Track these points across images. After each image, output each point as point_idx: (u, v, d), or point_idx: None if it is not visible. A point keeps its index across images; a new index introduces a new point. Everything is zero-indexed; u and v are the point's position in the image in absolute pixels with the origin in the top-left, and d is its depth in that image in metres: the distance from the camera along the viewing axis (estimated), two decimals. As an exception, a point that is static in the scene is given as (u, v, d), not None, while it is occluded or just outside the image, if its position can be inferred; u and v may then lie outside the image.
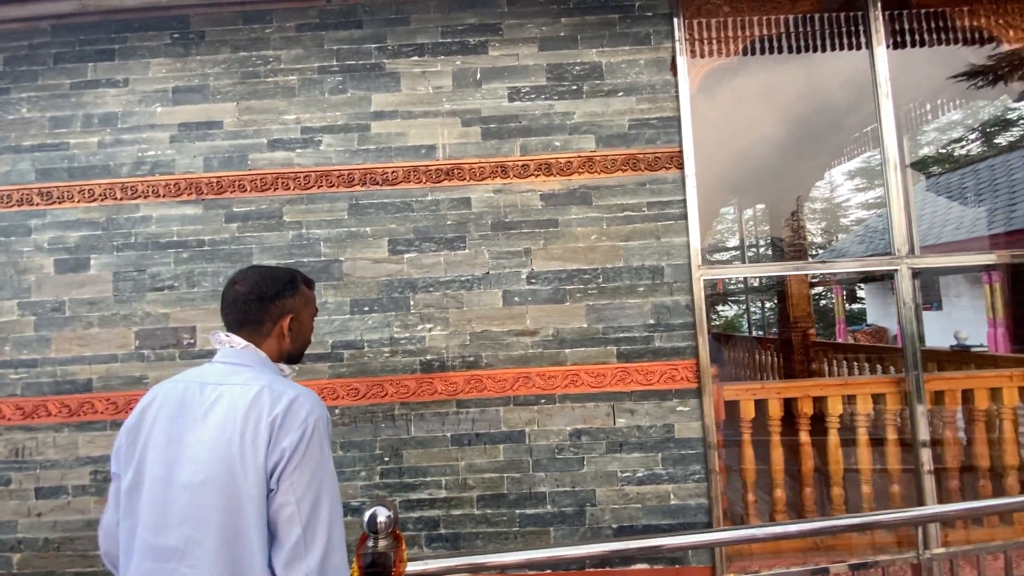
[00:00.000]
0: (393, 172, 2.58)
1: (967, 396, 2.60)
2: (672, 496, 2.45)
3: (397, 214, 2.57)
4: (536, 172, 2.57)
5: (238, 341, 1.12)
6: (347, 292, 2.54)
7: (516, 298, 2.54)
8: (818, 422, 2.61)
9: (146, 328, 2.57)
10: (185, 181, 2.62)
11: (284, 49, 2.67)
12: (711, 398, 2.45)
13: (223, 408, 1.01)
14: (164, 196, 2.62)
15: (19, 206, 2.62)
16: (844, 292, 16.24)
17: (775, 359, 5.71)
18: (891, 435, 2.57)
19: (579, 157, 2.57)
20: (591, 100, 2.61)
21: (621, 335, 2.51)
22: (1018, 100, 3.09)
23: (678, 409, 2.48)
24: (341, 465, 2.45)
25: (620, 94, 2.61)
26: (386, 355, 2.50)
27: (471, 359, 2.51)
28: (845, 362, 4.90)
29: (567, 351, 2.51)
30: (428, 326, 2.53)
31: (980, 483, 2.56)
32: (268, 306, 1.14)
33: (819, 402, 2.60)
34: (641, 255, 2.55)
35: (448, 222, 2.57)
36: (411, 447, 2.46)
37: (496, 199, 2.58)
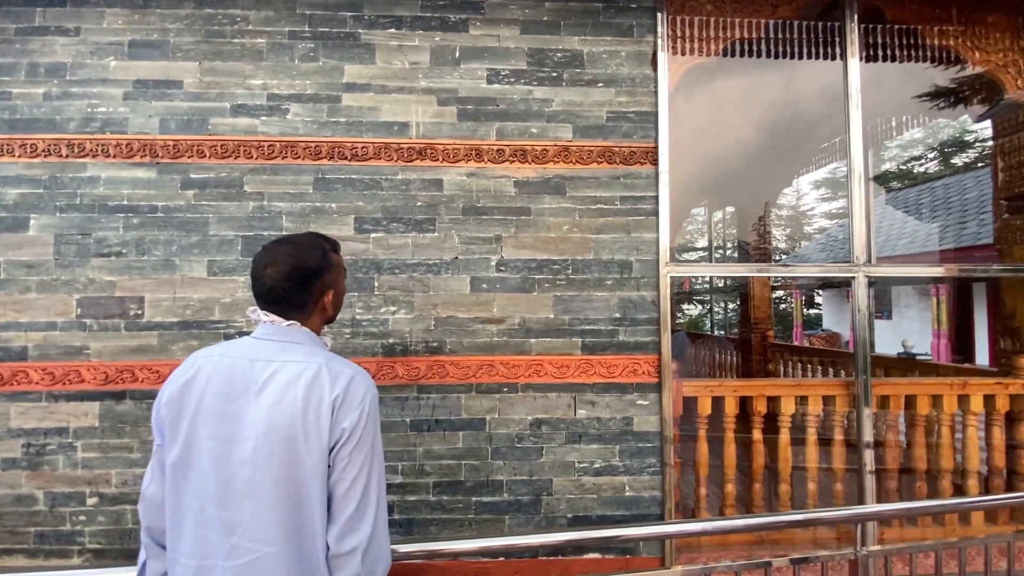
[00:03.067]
0: (363, 147, 2.49)
1: (910, 401, 2.72)
2: (627, 488, 2.48)
3: (365, 191, 2.49)
4: (511, 158, 2.53)
5: (281, 320, 1.11)
6: (309, 269, 2.44)
7: (484, 285, 2.50)
8: (770, 421, 2.69)
9: (89, 296, 2.42)
10: (138, 142, 2.46)
11: (253, 9, 2.53)
12: (670, 393, 2.48)
13: (279, 386, 1.01)
14: (115, 156, 2.46)
15: (-50, 156, 2.42)
16: (803, 297, 16.85)
17: (734, 358, 5.87)
18: (838, 436, 2.67)
19: (555, 146, 2.54)
20: (570, 88, 2.57)
21: (587, 327, 2.52)
22: (978, 121, 3.21)
23: (638, 403, 2.51)
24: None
25: (600, 85, 2.58)
26: (347, 336, 2.43)
27: (435, 344, 2.47)
28: (800, 364, 5.08)
29: (532, 341, 2.50)
30: (392, 309, 2.47)
31: (917, 484, 2.69)
32: (310, 288, 1.12)
33: (772, 401, 2.67)
34: (611, 249, 2.54)
35: (418, 203, 2.50)
36: (368, 431, 2.41)
37: (469, 183, 2.52)
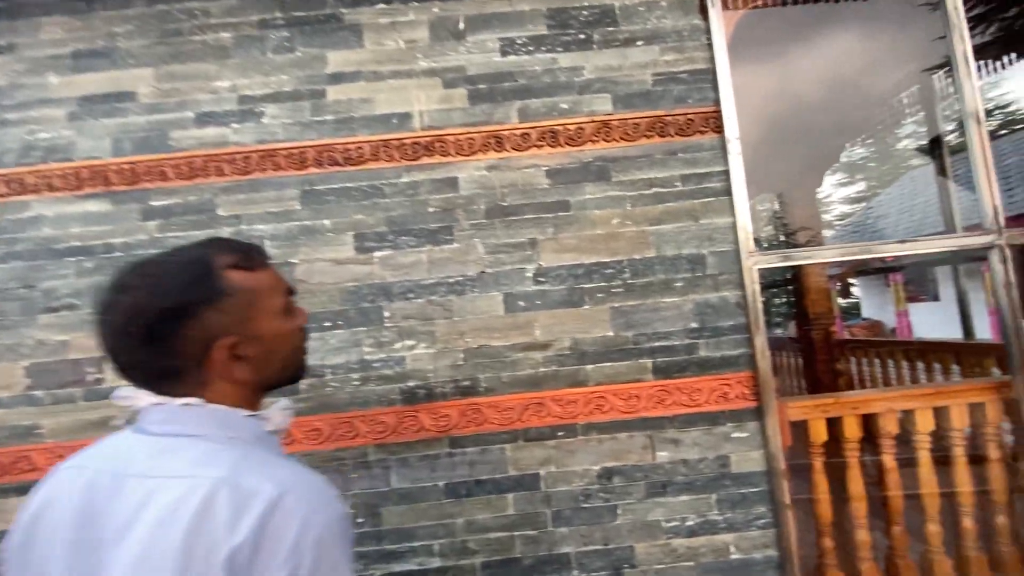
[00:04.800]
0: (357, 148, 2.02)
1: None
2: (732, 549, 1.91)
3: (364, 201, 2.01)
4: (539, 142, 2.04)
5: (168, 398, 0.65)
6: (302, 304, 1.95)
7: (521, 302, 1.99)
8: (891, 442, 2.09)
9: (39, 362, 1.96)
10: (88, 169, 2.03)
11: (214, 0, 2.11)
12: (776, 419, 1.92)
13: (148, 528, 0.56)
14: (61, 190, 2.02)
15: None
16: (839, 286, 16.00)
17: (796, 361, 5.24)
18: (994, 453, 2.06)
19: (592, 122, 2.05)
20: (604, 51, 2.09)
21: (656, 344, 1.98)
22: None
23: (733, 436, 1.95)
24: (301, 531, 1.85)
25: (640, 43, 2.09)
26: (355, 383, 1.93)
27: (466, 384, 1.95)
28: (878, 360, 4.44)
29: (589, 368, 1.97)
30: (409, 343, 1.96)
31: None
32: (171, 342, 0.63)
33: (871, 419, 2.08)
34: (676, 242, 2.02)
35: (430, 209, 2.02)
36: (392, 502, 1.88)
37: (490, 178, 2.03)
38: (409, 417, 1.91)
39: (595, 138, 2.05)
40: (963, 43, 2.14)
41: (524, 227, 2.02)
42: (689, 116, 2.06)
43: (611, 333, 1.98)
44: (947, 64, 4.17)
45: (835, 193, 23.10)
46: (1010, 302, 2.02)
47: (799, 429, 2.00)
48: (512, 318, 1.98)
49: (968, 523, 2.04)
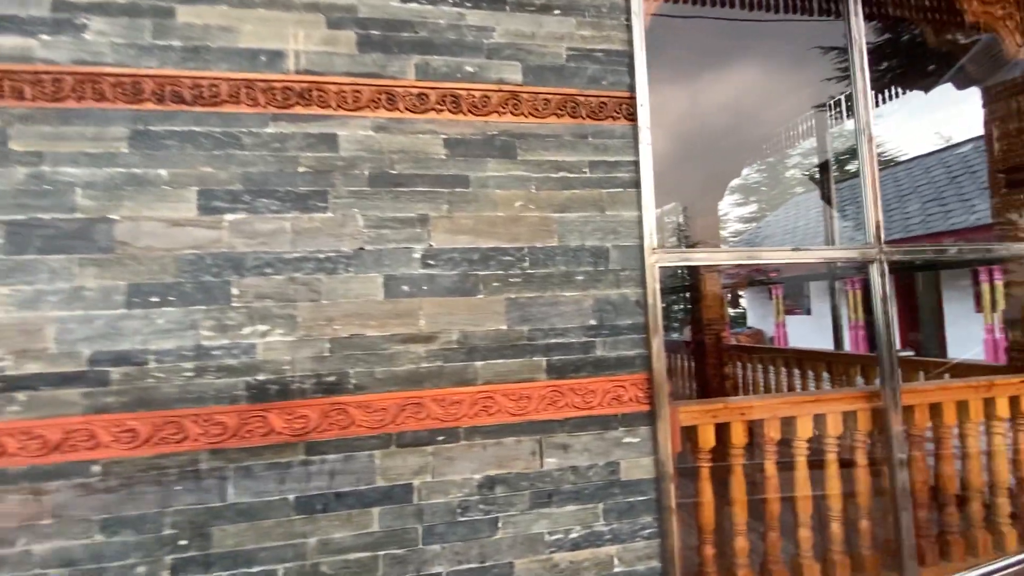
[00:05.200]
0: (211, 86, 1.65)
1: (935, 410, 2.26)
2: (616, 562, 1.79)
3: (215, 151, 1.64)
4: (439, 106, 1.79)
5: None
6: (121, 272, 1.55)
7: (405, 287, 1.73)
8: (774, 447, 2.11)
9: None
10: None
11: None
12: (668, 424, 1.84)
13: None
14: None
15: None
16: (730, 296, 17.37)
17: (687, 364, 5.45)
18: (862, 459, 2.15)
19: (500, 91, 1.83)
20: (517, 15, 1.88)
21: (552, 341, 1.81)
22: (963, 88, 2.89)
23: (624, 441, 1.84)
24: (101, 558, 1.46)
25: (556, 12, 1.91)
26: (187, 375, 1.56)
27: (331, 379, 1.65)
28: (760, 365, 4.71)
29: (478, 364, 1.76)
30: (261, 328, 1.63)
31: (948, 511, 2.23)
32: None
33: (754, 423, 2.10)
34: (580, 232, 1.87)
35: (300, 169, 1.69)
36: (227, 520, 1.55)
37: (378, 140, 1.75)
38: (256, 418, 1.58)
39: (502, 109, 1.84)
40: (862, 65, 2.20)
41: (415, 200, 1.76)
42: (603, 99, 1.91)
43: (505, 327, 1.78)
44: (830, 102, 4.51)
45: (731, 212, 25.18)
46: (885, 315, 2.10)
47: (686, 433, 1.94)
48: (393, 304, 1.72)
49: (836, 527, 2.10)
